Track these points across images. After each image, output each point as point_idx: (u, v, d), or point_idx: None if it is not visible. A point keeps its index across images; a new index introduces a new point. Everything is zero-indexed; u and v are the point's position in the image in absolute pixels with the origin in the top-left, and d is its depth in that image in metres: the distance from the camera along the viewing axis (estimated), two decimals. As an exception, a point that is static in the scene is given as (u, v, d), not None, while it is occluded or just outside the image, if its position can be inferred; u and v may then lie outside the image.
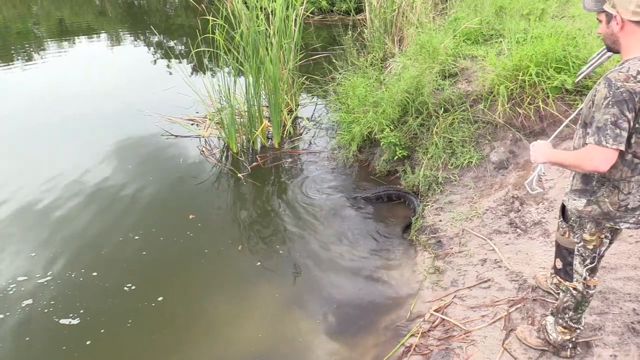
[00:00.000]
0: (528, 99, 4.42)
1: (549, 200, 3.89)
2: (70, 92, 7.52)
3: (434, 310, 3.32)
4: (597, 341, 2.66)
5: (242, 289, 3.79)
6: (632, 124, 1.96)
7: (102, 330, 3.40)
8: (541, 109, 4.35)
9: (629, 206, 2.14)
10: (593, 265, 2.32)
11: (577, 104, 4.18)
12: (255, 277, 3.91)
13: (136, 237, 4.31)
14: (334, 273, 3.93)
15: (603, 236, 2.26)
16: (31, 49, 10.20)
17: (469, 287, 3.42)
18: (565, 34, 4.61)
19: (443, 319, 3.22)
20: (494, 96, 4.61)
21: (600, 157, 1.97)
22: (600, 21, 2.11)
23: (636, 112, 1.96)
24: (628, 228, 2.19)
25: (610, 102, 1.95)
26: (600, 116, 1.97)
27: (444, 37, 5.55)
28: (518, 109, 4.46)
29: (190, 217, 4.59)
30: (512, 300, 3.15)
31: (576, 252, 2.37)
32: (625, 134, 1.95)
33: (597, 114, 1.99)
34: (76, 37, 11.34)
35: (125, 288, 3.75)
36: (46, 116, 6.67)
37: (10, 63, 9.19)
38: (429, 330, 3.17)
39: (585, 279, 2.37)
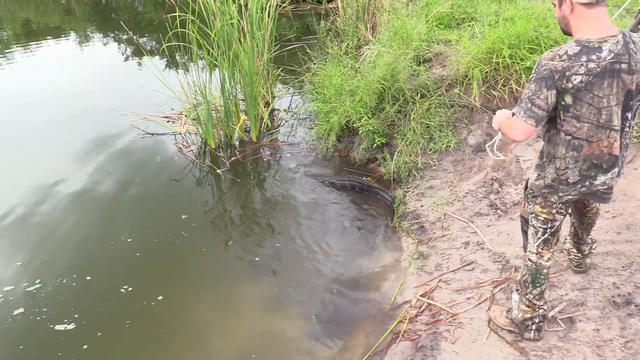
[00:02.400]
0: (502, 81, 4.46)
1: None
2: (40, 96, 7.32)
3: (420, 296, 3.35)
4: (580, 316, 2.71)
5: (235, 285, 3.77)
6: (551, 100, 2.07)
7: (99, 334, 3.34)
8: (514, 90, 4.39)
9: (569, 180, 2.24)
10: (544, 237, 2.41)
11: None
12: (246, 273, 3.89)
13: (129, 240, 4.23)
14: (319, 265, 3.92)
15: (555, 211, 2.35)
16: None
17: (453, 271, 3.46)
18: (536, 15, 4.65)
19: (429, 304, 3.25)
20: (468, 80, 4.64)
21: (516, 127, 2.14)
22: (554, 5, 2.18)
23: (558, 90, 2.05)
24: (571, 199, 2.31)
25: (533, 78, 2.09)
26: (524, 91, 2.12)
27: (417, 22, 5.55)
28: (493, 92, 4.50)
29: (183, 217, 4.52)
30: (496, 281, 3.19)
31: (530, 223, 2.47)
32: (538, 110, 2.07)
33: (525, 88, 2.14)
34: (43, 38, 11.02)
35: (122, 290, 3.68)
36: (16, 122, 6.47)
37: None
38: (416, 316, 3.20)
39: (537, 250, 2.45)
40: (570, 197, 2.29)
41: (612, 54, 2.00)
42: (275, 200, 4.81)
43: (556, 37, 4.35)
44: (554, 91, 2.05)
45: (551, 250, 2.45)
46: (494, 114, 4.41)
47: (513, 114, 2.22)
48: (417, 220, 4.16)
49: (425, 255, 3.74)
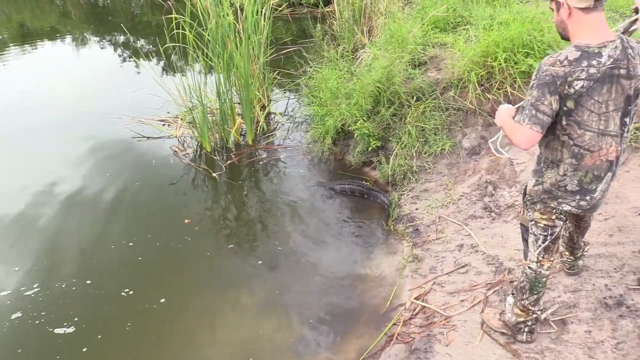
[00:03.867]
0: (497, 85, 4.48)
1: (520, 184, 3.96)
2: (35, 99, 7.32)
3: (414, 298, 3.36)
4: (572, 318, 2.73)
5: (235, 289, 3.78)
6: (555, 106, 2.05)
7: (99, 336, 3.34)
8: (509, 93, 4.41)
9: (567, 187, 2.22)
10: (545, 244, 2.39)
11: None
12: (245, 277, 3.90)
13: (130, 244, 4.22)
14: (315, 268, 3.94)
15: (554, 217, 2.33)
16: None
17: (447, 273, 3.47)
18: (530, 18, 4.68)
19: (423, 306, 3.26)
20: (463, 83, 4.66)
21: (520, 134, 2.10)
22: (552, 10, 2.17)
23: (561, 96, 2.04)
24: (569, 210, 2.28)
25: (534, 85, 2.07)
26: (527, 97, 2.10)
27: (413, 25, 5.57)
28: (487, 95, 4.52)
29: (186, 221, 4.52)
30: (490, 283, 3.20)
31: (530, 230, 2.44)
32: (542, 116, 2.05)
33: (527, 95, 2.11)
34: (39, 41, 11.00)
35: (123, 293, 3.69)
36: (12, 124, 6.47)
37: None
38: (410, 318, 3.21)
39: (538, 258, 2.43)
40: (569, 207, 2.26)
41: (612, 59, 2.00)
42: (272, 204, 4.82)
43: (549, 41, 4.38)
44: (557, 97, 2.04)
45: (551, 258, 2.44)
46: (490, 116, 4.48)
47: (518, 109, 2.20)
48: (412, 223, 4.17)
49: (419, 258, 3.76)
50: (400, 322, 3.20)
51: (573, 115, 2.07)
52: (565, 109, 2.07)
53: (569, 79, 2.01)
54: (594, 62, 2.00)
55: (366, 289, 3.68)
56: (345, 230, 4.36)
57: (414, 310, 3.27)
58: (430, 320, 3.13)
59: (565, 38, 2.16)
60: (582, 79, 2.00)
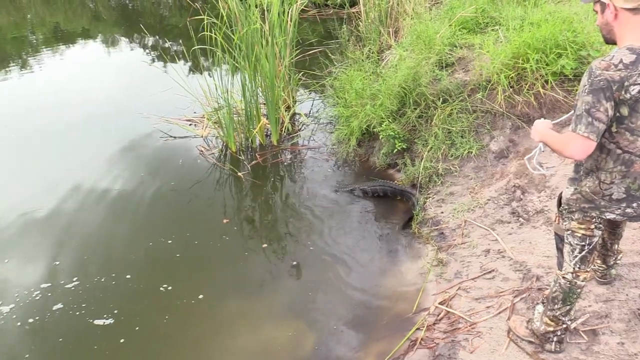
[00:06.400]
0: (527, 86, 4.38)
1: (550, 188, 3.85)
2: (68, 98, 7.48)
3: (439, 303, 3.30)
4: (604, 329, 2.64)
5: (269, 290, 3.83)
6: (610, 112, 1.94)
7: (137, 328, 3.43)
8: (541, 94, 4.30)
9: (613, 196, 2.12)
10: (582, 255, 2.28)
11: (576, 90, 4.14)
12: (278, 278, 3.93)
13: (169, 241, 4.28)
14: (339, 270, 3.92)
15: (593, 226, 2.23)
16: (27, 56, 10.17)
17: (473, 279, 3.40)
18: (563, 19, 4.56)
19: (448, 312, 3.20)
20: (492, 85, 4.57)
21: (575, 144, 1.97)
22: (596, 12, 2.07)
23: (616, 102, 1.94)
24: (614, 219, 2.18)
25: (587, 90, 1.95)
26: (580, 104, 1.97)
27: (440, 26, 5.50)
28: (517, 97, 4.42)
29: (225, 221, 4.57)
30: (517, 290, 3.12)
31: (566, 240, 2.34)
32: (599, 124, 1.93)
33: (578, 102, 1.99)
34: (72, 43, 11.28)
35: (161, 288, 3.75)
36: (46, 123, 6.61)
37: (7, 70, 9.15)
38: (434, 324, 3.15)
39: (574, 269, 2.32)
40: (613, 215, 2.17)
41: None
42: (299, 205, 4.84)
43: (582, 41, 4.25)
44: (612, 103, 1.93)
45: (588, 269, 2.33)
46: (519, 119, 4.38)
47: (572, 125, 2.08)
48: (437, 227, 4.10)
49: (444, 263, 3.69)
50: (423, 327, 3.15)
51: (625, 122, 1.98)
52: (618, 115, 1.97)
53: (626, 83, 1.90)
54: None
55: (389, 293, 3.64)
56: (368, 234, 4.33)
57: (438, 316, 3.21)
58: (454, 326, 3.06)
59: (610, 41, 2.06)
60: (639, 84, 1.90)
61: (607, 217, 2.18)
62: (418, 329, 3.17)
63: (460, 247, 3.79)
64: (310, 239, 4.29)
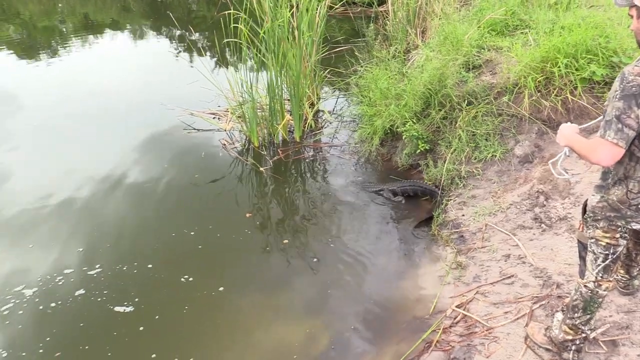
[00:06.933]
0: (555, 91, 4.31)
1: (575, 195, 3.80)
2: (95, 87, 7.62)
3: (456, 306, 3.29)
4: (624, 340, 2.60)
5: (288, 286, 3.86)
6: None
7: (157, 317, 3.50)
8: (569, 100, 4.24)
9: None
10: (605, 264, 2.24)
11: (606, 96, 4.07)
12: (298, 275, 3.95)
13: (192, 233, 4.34)
14: (357, 270, 3.93)
15: (618, 235, 2.19)
16: (56, 44, 10.38)
17: (491, 283, 3.38)
18: (595, 24, 4.47)
19: (465, 315, 3.18)
20: (519, 88, 4.51)
21: (603, 150, 1.94)
22: (631, 17, 2.03)
23: None
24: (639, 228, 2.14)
25: (618, 96, 1.91)
26: (610, 109, 1.94)
27: (468, 28, 5.45)
28: (544, 101, 4.36)
29: (248, 215, 4.63)
30: (536, 297, 3.09)
31: (589, 248, 2.31)
32: (629, 131, 1.90)
33: (608, 107, 1.96)
34: (100, 33, 11.48)
35: (182, 279, 3.81)
36: (72, 113, 6.75)
37: (37, 58, 9.36)
38: (450, 326, 3.15)
39: (596, 278, 2.29)
40: (639, 226, 2.14)
41: None
42: (320, 202, 4.88)
43: (615, 47, 4.17)
44: None
45: (610, 279, 2.30)
46: (545, 124, 4.32)
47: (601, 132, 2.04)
48: (457, 230, 4.08)
49: (463, 266, 3.67)
50: (439, 330, 3.14)
51: None
52: None
53: None
54: None
55: (406, 294, 3.64)
56: (388, 234, 4.33)
57: (455, 319, 3.20)
58: (471, 330, 3.05)
59: None
60: None
61: (633, 227, 2.15)
62: (434, 331, 3.16)
63: (480, 250, 3.76)
64: (331, 237, 4.31)
